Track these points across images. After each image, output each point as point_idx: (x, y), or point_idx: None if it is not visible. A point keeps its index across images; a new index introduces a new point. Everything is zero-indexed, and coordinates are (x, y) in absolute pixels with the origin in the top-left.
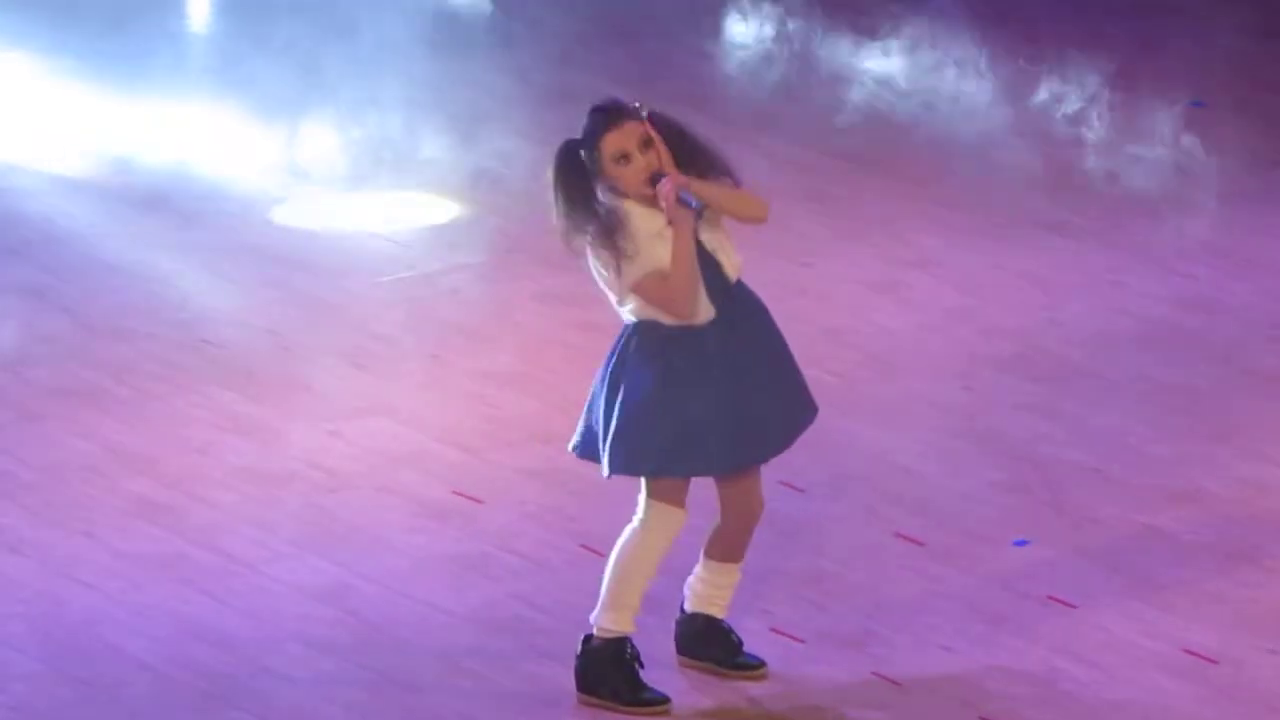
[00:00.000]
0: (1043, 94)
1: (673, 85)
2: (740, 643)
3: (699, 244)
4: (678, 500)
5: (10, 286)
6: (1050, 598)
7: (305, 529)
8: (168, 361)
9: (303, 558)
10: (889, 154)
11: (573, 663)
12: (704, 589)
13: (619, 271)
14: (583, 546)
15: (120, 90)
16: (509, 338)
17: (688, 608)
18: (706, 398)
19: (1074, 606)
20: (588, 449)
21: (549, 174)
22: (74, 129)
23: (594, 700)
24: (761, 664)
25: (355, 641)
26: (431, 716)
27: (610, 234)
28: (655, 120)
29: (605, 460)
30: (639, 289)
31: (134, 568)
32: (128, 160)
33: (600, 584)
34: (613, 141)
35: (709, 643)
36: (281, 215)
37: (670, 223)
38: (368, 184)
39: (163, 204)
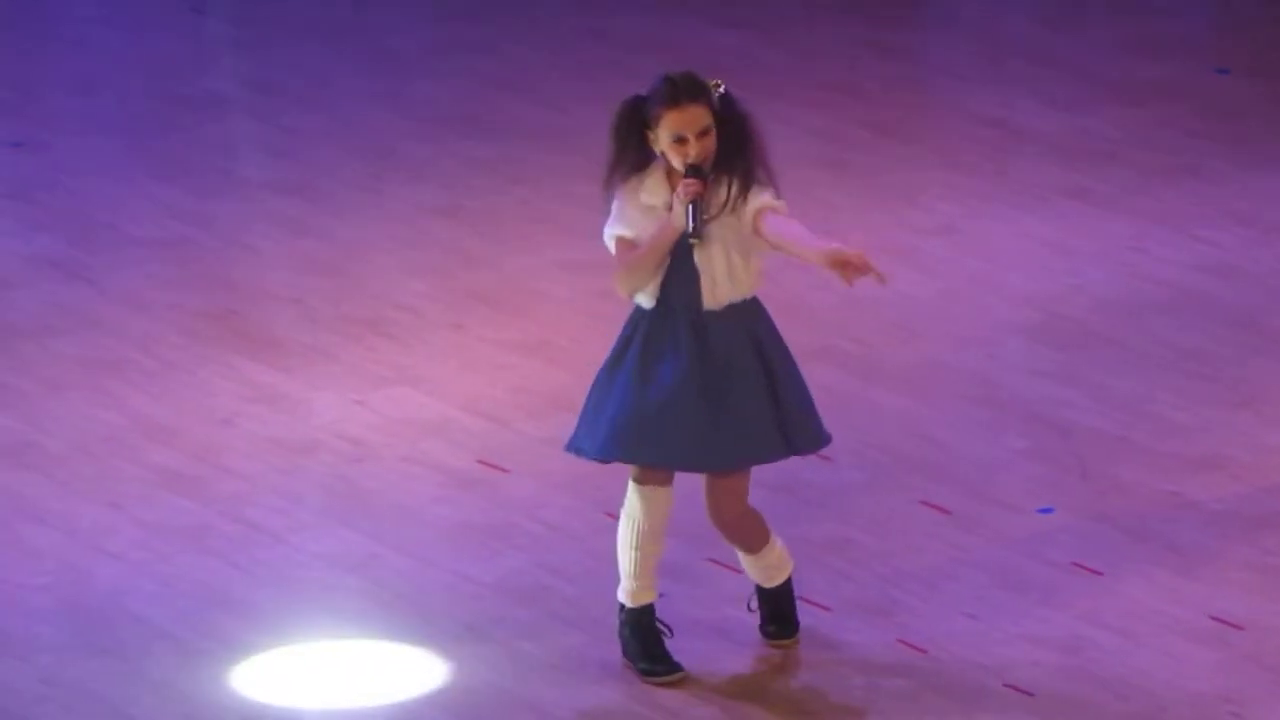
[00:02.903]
0: (1065, 61)
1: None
2: (796, 625)
3: (690, 251)
4: (643, 478)
5: (35, 257)
6: (1076, 565)
7: (330, 499)
8: (192, 332)
9: (328, 528)
10: (909, 121)
11: (598, 631)
12: (748, 571)
13: (613, 218)
14: (608, 515)
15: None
16: (533, 307)
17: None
18: (620, 386)
19: (1099, 574)
20: None
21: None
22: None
23: (627, 662)
24: (793, 633)
25: (381, 611)
26: (458, 686)
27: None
28: (725, 102)
29: None
30: (613, 242)
31: (160, 538)
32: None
33: None
34: (673, 121)
35: (767, 617)
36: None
37: (670, 213)
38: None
39: (184, 174)
